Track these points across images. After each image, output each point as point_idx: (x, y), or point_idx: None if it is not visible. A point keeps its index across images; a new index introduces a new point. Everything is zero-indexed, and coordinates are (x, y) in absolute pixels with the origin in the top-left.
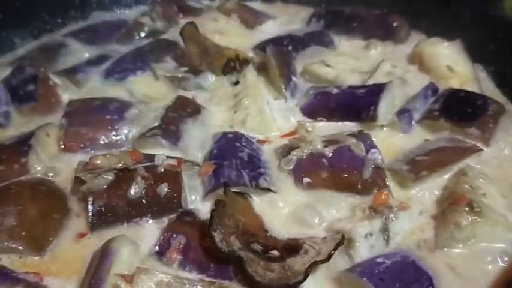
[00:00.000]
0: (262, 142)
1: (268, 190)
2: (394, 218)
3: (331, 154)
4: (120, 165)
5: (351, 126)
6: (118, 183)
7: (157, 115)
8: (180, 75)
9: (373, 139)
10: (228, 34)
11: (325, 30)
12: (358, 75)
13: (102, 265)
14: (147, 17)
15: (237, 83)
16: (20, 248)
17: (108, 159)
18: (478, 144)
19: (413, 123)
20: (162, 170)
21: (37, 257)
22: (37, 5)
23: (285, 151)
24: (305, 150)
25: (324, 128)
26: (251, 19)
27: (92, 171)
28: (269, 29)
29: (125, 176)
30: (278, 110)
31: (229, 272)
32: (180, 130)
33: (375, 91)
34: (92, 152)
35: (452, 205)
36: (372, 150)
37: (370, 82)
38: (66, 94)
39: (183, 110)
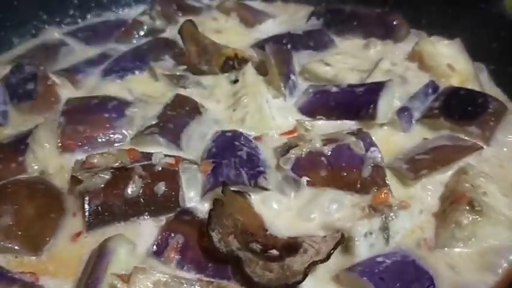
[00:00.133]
0: (259, 139)
1: (267, 189)
2: (394, 217)
3: (330, 152)
4: (117, 164)
5: (350, 124)
6: (115, 182)
7: (155, 114)
8: (178, 74)
9: (373, 137)
10: (228, 33)
11: (325, 29)
12: (357, 74)
13: (99, 265)
14: (146, 15)
15: (236, 81)
16: (16, 247)
17: (105, 158)
18: (479, 143)
19: (413, 121)
20: (160, 168)
21: (34, 257)
22: (36, 4)
23: (284, 150)
24: (304, 149)
25: (323, 126)
26: (251, 18)
27: (89, 170)
28: (269, 28)
29: (122, 175)
30: (277, 109)
31: (227, 272)
32: (178, 128)
33: (375, 89)
34: (90, 150)
35: (452, 204)
36: (372, 149)
37: (370, 81)
38: (65, 93)
39: (182, 109)
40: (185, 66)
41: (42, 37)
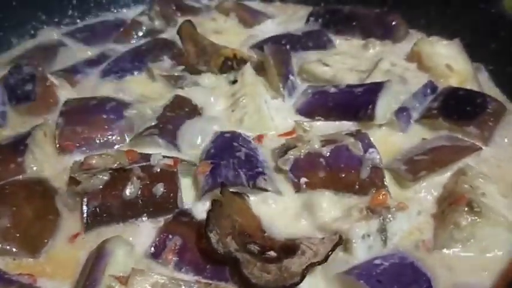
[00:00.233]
0: (258, 140)
1: (266, 190)
2: (391, 219)
3: (328, 154)
4: (115, 165)
5: (349, 125)
6: (113, 183)
7: (154, 115)
8: (176, 74)
9: (371, 138)
10: (227, 33)
11: (324, 29)
12: (356, 74)
13: (97, 266)
14: (145, 16)
15: (234, 81)
16: (14, 250)
17: (103, 159)
18: (477, 143)
19: (411, 121)
20: (158, 170)
21: (32, 259)
22: (34, 5)
23: (282, 151)
24: (302, 150)
25: (322, 127)
26: (249, 18)
27: (87, 171)
28: (267, 28)
29: (120, 176)
30: (276, 109)
31: (225, 274)
32: (177, 129)
33: (373, 90)
34: (88, 151)
35: (451, 205)
36: (370, 150)
37: (369, 81)
38: (64, 94)
39: (181, 110)
40: (183, 67)
41: (40, 37)
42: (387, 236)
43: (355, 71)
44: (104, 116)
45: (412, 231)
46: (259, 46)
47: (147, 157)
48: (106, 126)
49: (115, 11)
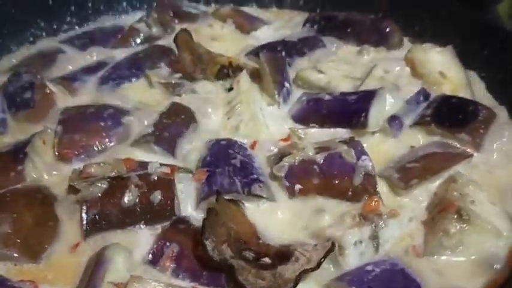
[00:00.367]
0: (253, 147)
1: (261, 197)
2: (383, 226)
3: (322, 161)
4: (113, 173)
5: (342, 132)
6: (112, 191)
7: (151, 122)
8: (174, 82)
9: (364, 145)
10: (224, 40)
11: (319, 36)
12: (350, 81)
13: (96, 273)
14: (142, 22)
15: (230, 89)
16: (15, 255)
17: (102, 168)
18: (469, 150)
19: (403, 129)
20: (156, 178)
21: (33, 265)
22: (33, 12)
23: (277, 158)
24: (297, 157)
25: (316, 134)
26: (246, 24)
27: (86, 180)
28: (264, 34)
29: (118, 184)
30: (271, 116)
31: (221, 280)
32: (173, 137)
33: (366, 98)
34: (87, 159)
35: (441, 212)
36: (363, 157)
37: (362, 88)
38: (62, 101)
39: (177, 117)
40: (180, 74)
41: (39, 44)
42: (379, 242)
43: (350, 77)
44: (102, 124)
45: (404, 237)
46: (255, 52)
47: (144, 165)
48: (104, 134)
49: (113, 17)
